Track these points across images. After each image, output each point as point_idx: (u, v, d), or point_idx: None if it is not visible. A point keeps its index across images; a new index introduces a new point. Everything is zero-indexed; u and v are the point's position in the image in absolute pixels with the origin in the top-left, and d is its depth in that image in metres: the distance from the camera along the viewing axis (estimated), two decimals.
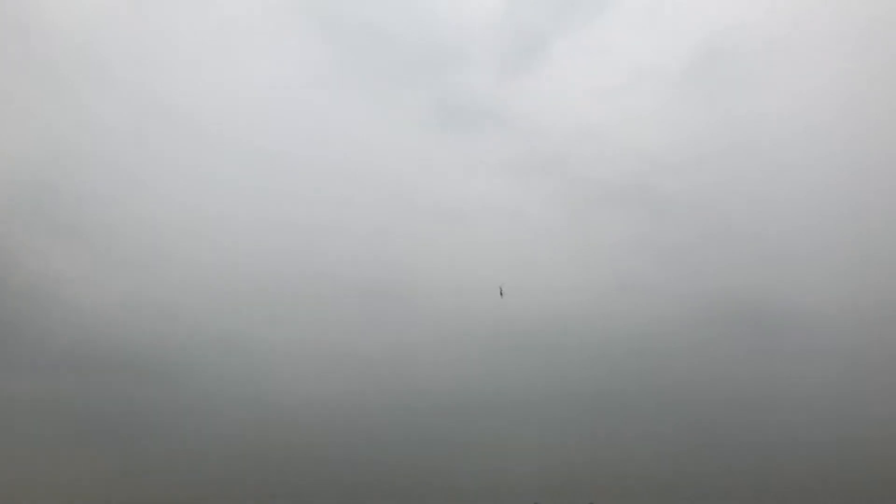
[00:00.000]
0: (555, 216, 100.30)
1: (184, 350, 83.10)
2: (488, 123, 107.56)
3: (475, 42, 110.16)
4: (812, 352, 79.73)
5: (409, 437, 79.04)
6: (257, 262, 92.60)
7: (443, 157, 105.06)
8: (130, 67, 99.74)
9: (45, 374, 75.77)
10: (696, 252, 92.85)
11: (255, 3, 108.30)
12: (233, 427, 77.91)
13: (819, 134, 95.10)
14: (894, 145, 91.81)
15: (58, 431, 72.61)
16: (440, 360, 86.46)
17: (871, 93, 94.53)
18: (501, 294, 73.13)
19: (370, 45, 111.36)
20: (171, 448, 74.77)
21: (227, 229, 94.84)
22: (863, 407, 74.02)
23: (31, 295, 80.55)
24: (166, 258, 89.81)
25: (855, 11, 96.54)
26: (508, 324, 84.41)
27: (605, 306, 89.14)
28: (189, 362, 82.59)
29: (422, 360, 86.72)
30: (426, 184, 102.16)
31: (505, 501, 68.68)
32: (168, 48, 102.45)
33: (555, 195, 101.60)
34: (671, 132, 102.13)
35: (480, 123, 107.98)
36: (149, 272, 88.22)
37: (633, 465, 75.01)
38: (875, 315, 79.50)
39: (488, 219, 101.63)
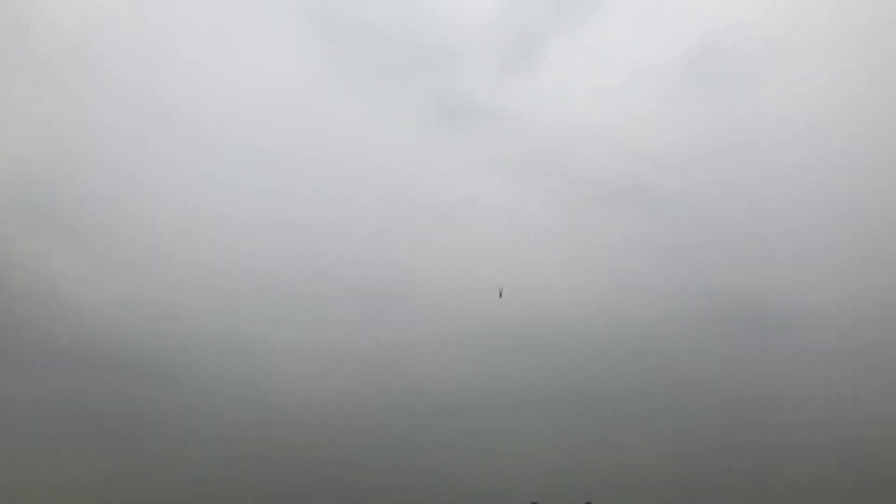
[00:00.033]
0: (554, 216, 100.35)
1: (184, 350, 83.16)
2: (488, 123, 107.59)
3: (474, 42, 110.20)
4: (811, 352, 79.78)
5: (408, 437, 79.17)
6: (257, 262, 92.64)
7: (442, 156, 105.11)
8: (130, 67, 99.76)
9: (44, 373, 75.80)
10: (696, 252, 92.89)
11: (255, 3, 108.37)
12: (233, 427, 77.98)
13: (819, 134, 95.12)
14: (894, 145, 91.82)
15: (57, 431, 72.66)
16: (440, 359, 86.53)
17: (871, 93, 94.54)
18: (501, 295, 73.26)
19: (370, 45, 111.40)
20: (171, 448, 74.85)
21: (227, 229, 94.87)
22: (863, 407, 74.10)
23: (30, 295, 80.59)
24: (166, 258, 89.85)
25: (855, 11, 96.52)
26: (508, 324, 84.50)
27: (605, 306, 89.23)
28: (189, 362, 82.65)
29: (422, 360, 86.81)
30: (426, 183, 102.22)
31: (504, 501, 68.70)
32: (168, 48, 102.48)
33: (554, 195, 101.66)
34: (671, 132, 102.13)
35: (480, 123, 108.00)
36: (149, 272, 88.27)
37: (631, 465, 75.10)
38: (875, 315, 79.53)
39: (488, 218, 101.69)
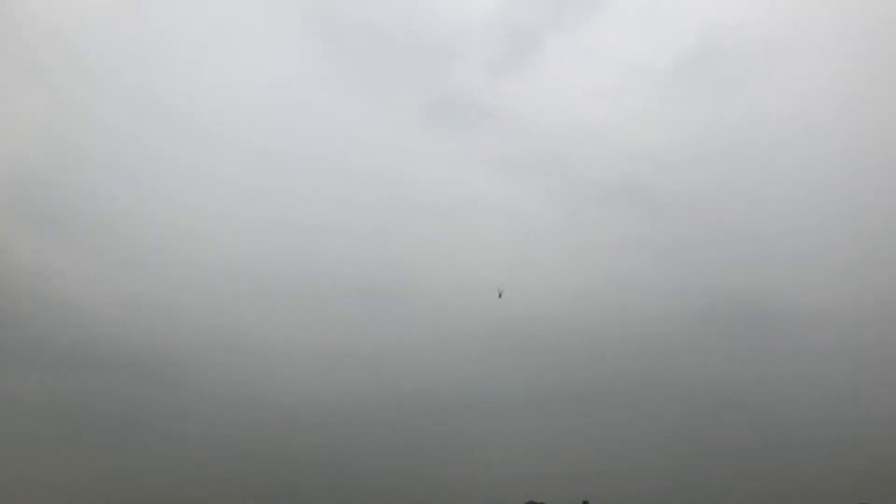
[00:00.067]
0: (554, 216, 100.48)
1: (184, 350, 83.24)
2: (488, 123, 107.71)
3: (474, 42, 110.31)
4: (811, 351, 79.79)
5: (408, 437, 79.17)
6: (257, 262, 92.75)
7: (443, 156, 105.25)
8: (130, 67, 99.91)
9: (44, 373, 75.87)
10: (696, 251, 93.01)
11: (255, 3, 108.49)
12: (233, 426, 77.94)
13: (819, 134, 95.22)
14: (894, 145, 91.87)
15: (57, 431, 72.68)
16: (440, 359, 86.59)
17: (871, 93, 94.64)
18: (500, 296, 73.36)
19: (370, 45, 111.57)
20: (171, 447, 74.80)
21: (227, 229, 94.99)
22: (862, 406, 74.08)
23: (31, 295, 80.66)
24: (166, 258, 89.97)
25: (855, 11, 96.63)
26: (508, 324, 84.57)
27: (605, 306, 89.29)
28: (189, 362, 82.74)
29: (422, 360, 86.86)
30: (426, 183, 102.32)
31: (503, 499, 68.71)
32: (168, 48, 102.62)
33: (554, 195, 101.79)
34: (671, 132, 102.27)
35: (480, 123, 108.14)
36: (149, 272, 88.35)
37: (631, 464, 75.04)
38: (875, 315, 79.51)
39: (488, 218, 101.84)
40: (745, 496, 70.02)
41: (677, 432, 77.25)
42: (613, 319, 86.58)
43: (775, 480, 70.85)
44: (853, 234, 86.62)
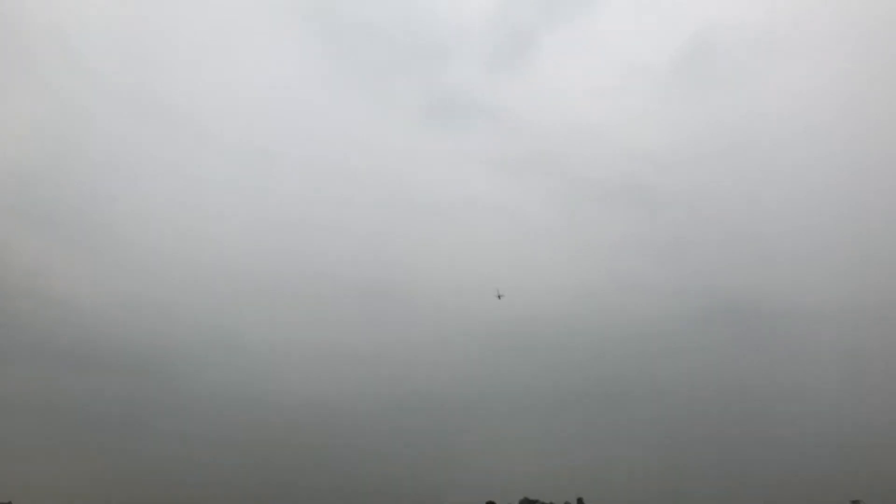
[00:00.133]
0: (554, 216, 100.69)
1: (184, 350, 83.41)
2: (487, 123, 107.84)
3: (474, 42, 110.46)
4: (811, 351, 79.91)
5: (408, 436, 79.22)
6: (257, 262, 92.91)
7: (442, 156, 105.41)
8: (130, 67, 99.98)
9: (45, 373, 75.95)
10: (696, 251, 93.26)
11: (255, 3, 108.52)
12: (233, 426, 77.97)
13: (819, 134, 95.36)
14: (894, 145, 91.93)
15: (57, 431, 72.70)
16: (440, 359, 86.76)
17: (871, 93, 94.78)
18: (499, 297, 73.57)
19: (369, 44, 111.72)
20: (171, 447, 74.81)
21: (227, 229, 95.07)
22: (862, 405, 74.06)
23: (30, 294, 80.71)
24: (166, 258, 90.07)
25: (855, 11, 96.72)
26: (508, 324, 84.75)
27: (604, 305, 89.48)
28: (189, 362, 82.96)
29: (422, 360, 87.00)
30: (425, 183, 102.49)
31: (502, 498, 68.69)
32: (168, 48, 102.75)
33: (554, 195, 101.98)
34: (670, 131, 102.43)
35: (480, 123, 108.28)
36: (149, 272, 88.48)
37: (631, 464, 75.02)
38: (875, 315, 79.61)
39: (488, 218, 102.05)
40: (743, 494, 70.00)
41: (675, 431, 77.38)
42: (613, 319, 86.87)
43: (773, 478, 70.84)
44: (853, 234, 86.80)
